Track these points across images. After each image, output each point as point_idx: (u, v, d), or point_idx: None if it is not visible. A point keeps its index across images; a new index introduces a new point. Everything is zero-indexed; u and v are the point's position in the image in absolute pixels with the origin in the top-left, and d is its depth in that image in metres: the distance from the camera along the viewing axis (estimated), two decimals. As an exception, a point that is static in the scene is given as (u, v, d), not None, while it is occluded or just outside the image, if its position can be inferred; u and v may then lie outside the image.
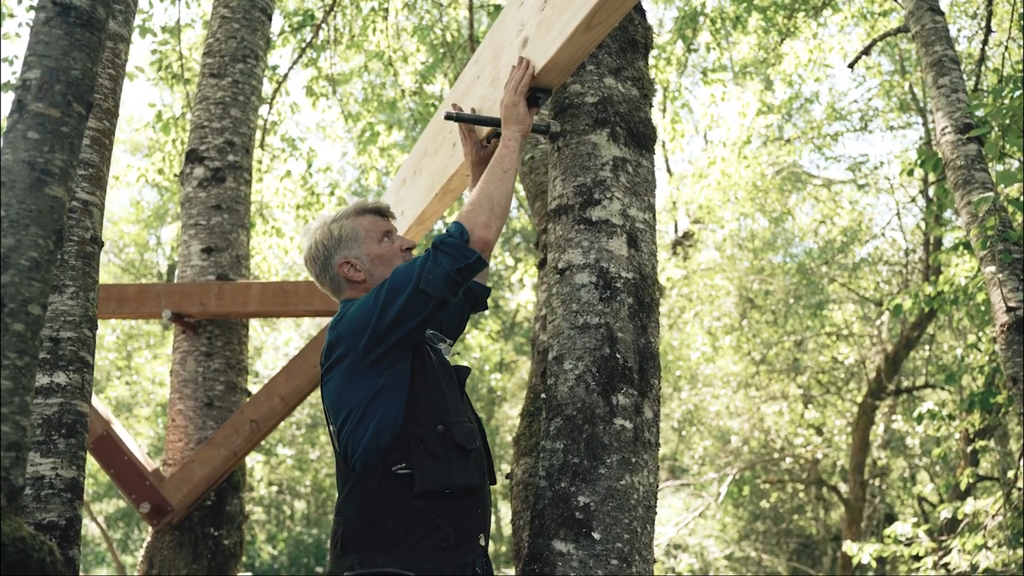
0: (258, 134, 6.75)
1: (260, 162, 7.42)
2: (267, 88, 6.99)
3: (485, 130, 2.49)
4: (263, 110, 6.83)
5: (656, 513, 2.20)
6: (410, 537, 1.92)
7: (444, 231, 2.05)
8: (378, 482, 1.96)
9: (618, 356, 2.17)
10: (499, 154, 2.17)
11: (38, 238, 1.40)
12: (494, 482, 2.23)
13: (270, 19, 5.09)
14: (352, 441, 1.99)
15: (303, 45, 7.48)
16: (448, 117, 2.48)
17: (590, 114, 2.38)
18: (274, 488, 16.17)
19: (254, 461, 13.98)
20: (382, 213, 2.27)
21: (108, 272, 15.65)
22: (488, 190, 2.10)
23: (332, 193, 8.77)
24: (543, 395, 2.30)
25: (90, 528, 15.60)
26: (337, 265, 2.19)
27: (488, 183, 2.12)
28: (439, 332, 2.31)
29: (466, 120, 2.47)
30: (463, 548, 1.96)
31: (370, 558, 1.91)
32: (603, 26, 2.04)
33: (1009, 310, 3.41)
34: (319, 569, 15.54)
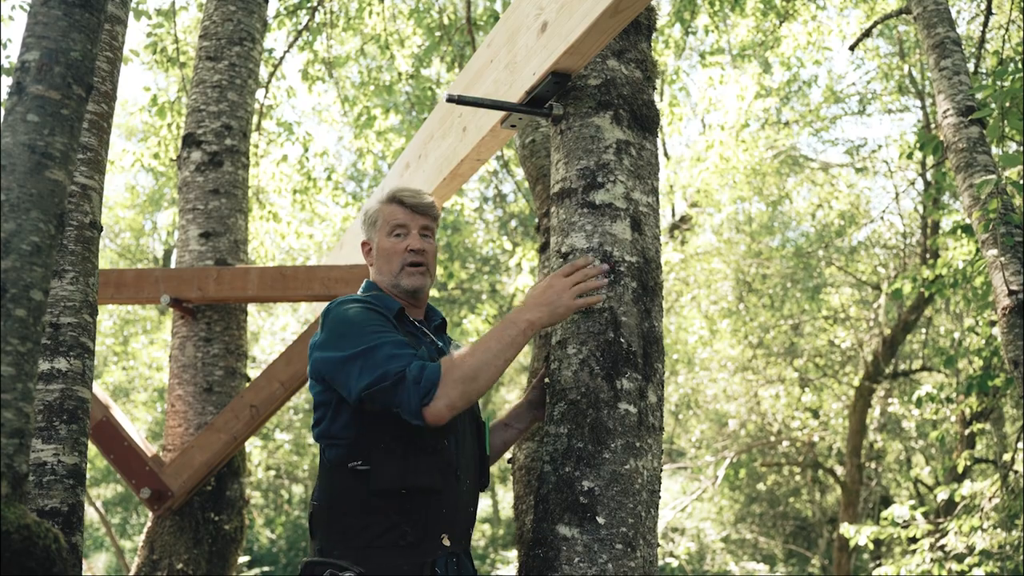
0: (254, 118, 6.71)
1: (256, 146, 7.38)
2: (263, 72, 6.94)
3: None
4: (259, 94, 6.79)
5: (660, 497, 2.20)
6: (367, 533, 1.94)
7: (425, 367, 1.89)
8: (339, 475, 1.99)
9: (622, 340, 2.16)
10: (513, 339, 1.97)
11: (39, 222, 1.38)
12: (485, 484, 2.19)
13: (266, 1, 5.04)
14: (316, 431, 2.06)
15: (299, 28, 7.42)
16: (450, 100, 2.46)
17: (593, 96, 2.36)
18: (272, 472, 16.20)
19: (252, 446, 14.00)
20: (405, 204, 2.22)
21: (104, 257, 15.61)
22: (485, 368, 1.92)
23: (329, 178, 8.74)
24: (546, 380, 2.29)
25: (88, 513, 15.63)
26: (361, 242, 2.32)
27: (490, 362, 1.93)
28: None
29: (470, 103, 2.46)
30: (423, 547, 1.95)
31: (329, 547, 1.96)
32: (630, 11, 2.02)
33: (1011, 293, 3.40)
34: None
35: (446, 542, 1.98)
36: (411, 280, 2.20)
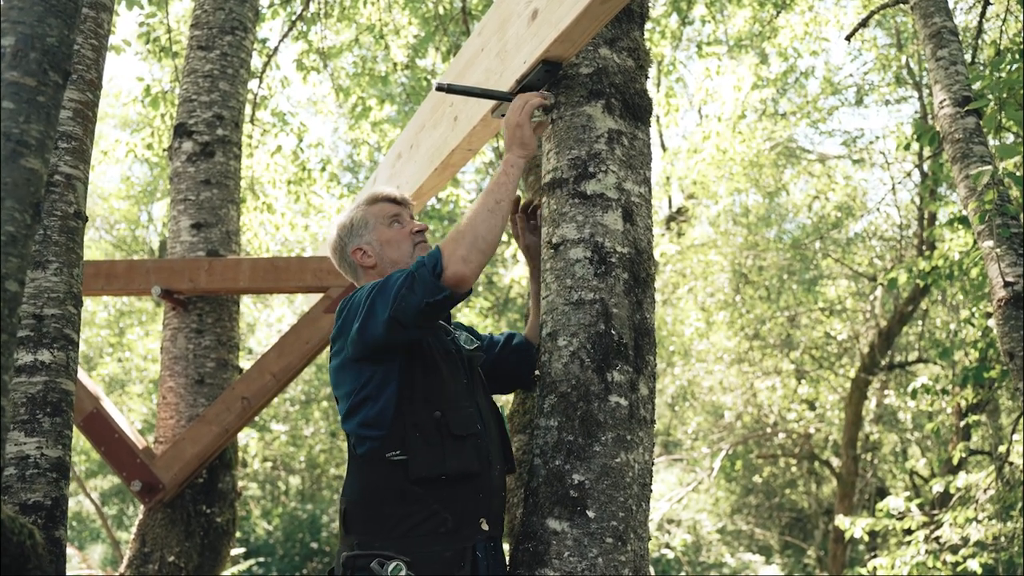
0: (248, 109, 6.66)
1: (250, 137, 7.33)
2: (257, 62, 6.88)
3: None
4: (253, 84, 6.73)
5: (651, 491, 2.18)
6: (407, 522, 1.95)
7: (427, 253, 2.02)
8: (375, 467, 2.00)
9: (613, 332, 2.14)
10: (496, 180, 2.10)
11: (14, 212, 1.35)
12: (512, 469, 2.23)
13: (259, -10, 4.99)
14: (349, 424, 2.06)
15: (293, 18, 7.36)
16: (439, 88, 2.43)
17: (584, 85, 2.33)
18: (268, 464, 16.18)
19: (248, 437, 13.98)
20: (392, 200, 2.31)
21: (100, 249, 15.55)
22: (475, 221, 2.01)
23: (323, 169, 8.68)
24: (537, 372, 2.27)
25: (84, 505, 15.60)
26: (351, 252, 2.27)
27: (477, 212, 2.03)
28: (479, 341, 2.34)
29: (460, 92, 2.42)
30: (462, 533, 1.97)
31: (368, 540, 1.95)
32: None
33: (1007, 285, 3.38)
34: (314, 544, 15.61)
35: (484, 527, 2.01)
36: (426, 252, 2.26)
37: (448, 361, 2.13)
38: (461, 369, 2.17)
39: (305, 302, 13.43)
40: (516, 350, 2.39)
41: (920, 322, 11.89)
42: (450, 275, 1.93)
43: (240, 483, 4.49)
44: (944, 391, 6.45)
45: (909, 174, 11.16)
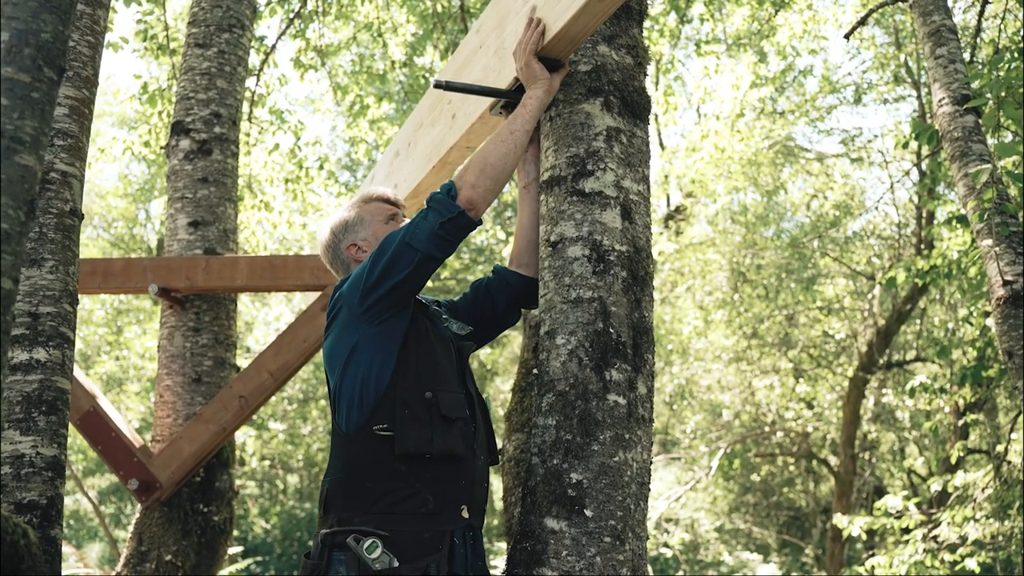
0: (246, 106, 6.64)
1: (248, 135, 7.31)
2: (254, 59, 6.86)
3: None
4: (251, 82, 6.72)
5: (649, 490, 2.17)
6: (388, 498, 1.94)
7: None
8: (361, 442, 1.99)
9: (611, 331, 2.13)
10: (513, 113, 2.17)
11: (8, 209, 1.34)
12: (495, 461, 2.22)
13: (256, -13, 4.98)
14: (339, 397, 2.05)
15: (291, 15, 7.34)
16: (437, 86, 2.42)
17: (583, 83, 2.32)
18: (266, 462, 16.16)
19: (246, 436, 13.96)
20: (387, 200, 2.35)
21: (97, 247, 15.52)
22: (485, 149, 2.09)
23: (321, 167, 8.66)
24: (535, 370, 2.26)
25: (82, 503, 15.59)
26: (345, 249, 2.28)
27: (489, 141, 2.11)
28: (465, 323, 2.33)
29: (458, 89, 2.41)
30: (442, 517, 1.97)
31: (348, 517, 1.94)
32: None
33: (1005, 283, 3.38)
34: (311, 543, 15.59)
35: (465, 514, 2.01)
36: None
37: (443, 346, 2.15)
38: (454, 355, 2.18)
39: (303, 300, 13.41)
40: (487, 295, 2.39)
41: (918, 321, 11.89)
42: (462, 198, 2.02)
43: (237, 482, 4.48)
44: (942, 390, 6.45)
45: (907, 172, 11.15)
